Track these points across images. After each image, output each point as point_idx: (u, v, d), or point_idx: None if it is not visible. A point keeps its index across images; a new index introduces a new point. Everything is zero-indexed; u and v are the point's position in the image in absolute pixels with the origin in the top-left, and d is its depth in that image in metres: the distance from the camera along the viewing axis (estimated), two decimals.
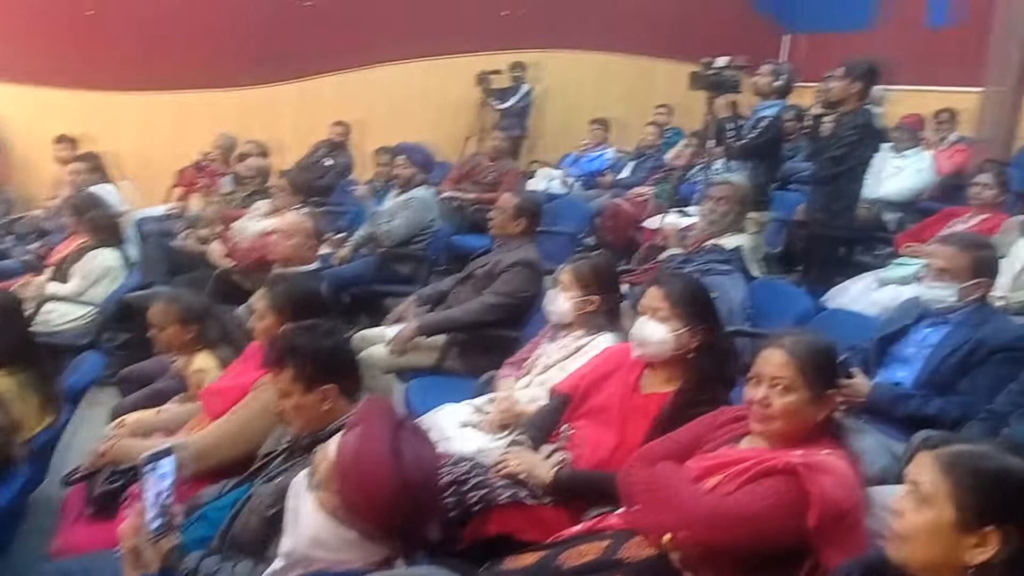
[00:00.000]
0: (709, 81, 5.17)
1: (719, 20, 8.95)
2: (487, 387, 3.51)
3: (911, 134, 6.30)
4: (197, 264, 5.45)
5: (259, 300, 3.07)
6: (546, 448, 2.81)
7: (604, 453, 2.67)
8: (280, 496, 2.18)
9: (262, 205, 5.75)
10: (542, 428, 2.83)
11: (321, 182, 7.14)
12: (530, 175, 8.08)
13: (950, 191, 6.27)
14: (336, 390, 2.32)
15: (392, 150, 6.09)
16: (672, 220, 4.79)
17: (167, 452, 2.12)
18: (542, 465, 2.66)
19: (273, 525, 2.17)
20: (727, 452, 2.26)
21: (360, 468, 1.78)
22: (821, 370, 2.13)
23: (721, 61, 5.08)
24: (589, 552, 2.25)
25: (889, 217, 5.94)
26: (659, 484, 2.20)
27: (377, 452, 1.79)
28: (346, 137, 7.95)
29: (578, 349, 3.26)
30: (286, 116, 8.63)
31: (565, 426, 2.86)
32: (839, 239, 4.94)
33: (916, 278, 4.45)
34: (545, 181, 7.77)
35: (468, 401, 3.42)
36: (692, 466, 2.26)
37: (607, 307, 3.31)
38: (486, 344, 4.01)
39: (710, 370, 2.64)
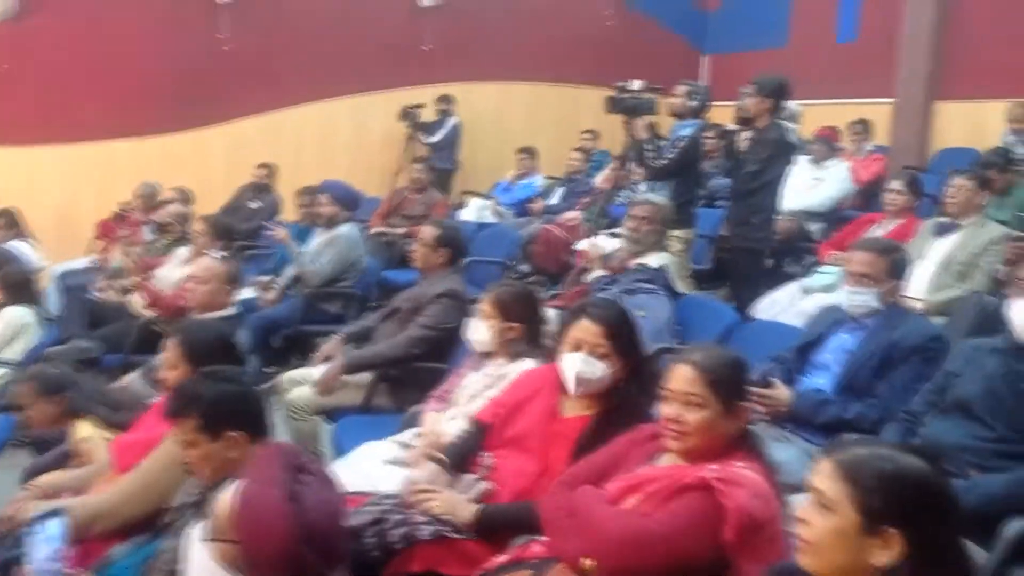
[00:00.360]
0: (625, 104, 5.20)
1: (639, 45, 9.09)
2: (413, 422, 3.45)
3: (828, 146, 6.43)
4: (119, 316, 5.31)
5: (169, 350, 2.99)
6: (468, 478, 2.77)
7: (526, 481, 2.63)
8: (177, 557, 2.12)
9: (183, 252, 5.65)
10: (461, 456, 2.78)
11: (247, 225, 7.04)
12: (461, 206, 8.08)
13: (869, 199, 6.41)
14: (244, 437, 2.25)
15: (311, 190, 6.03)
16: (597, 242, 4.78)
17: (54, 513, 2.02)
18: (463, 504, 2.62)
19: None
20: (643, 471, 2.24)
21: (256, 515, 1.73)
22: (731, 383, 2.12)
23: (636, 84, 5.13)
24: None
25: (813, 227, 6.03)
26: (577, 509, 2.18)
27: (273, 498, 1.74)
28: (270, 179, 7.87)
29: (501, 377, 3.22)
30: (215, 160, 8.55)
31: (487, 455, 2.82)
32: (761, 252, 4.99)
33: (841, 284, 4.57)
34: (476, 211, 7.77)
35: (393, 438, 3.37)
36: (610, 488, 2.24)
37: (529, 334, 3.29)
38: (414, 379, 3.95)
39: (634, 393, 2.62)
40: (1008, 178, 5.04)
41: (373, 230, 6.62)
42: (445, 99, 8.88)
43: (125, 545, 2.48)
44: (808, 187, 6.15)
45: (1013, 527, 2.21)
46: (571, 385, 2.62)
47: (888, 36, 7.27)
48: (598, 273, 4.51)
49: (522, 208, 7.78)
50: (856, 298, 3.08)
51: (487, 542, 2.54)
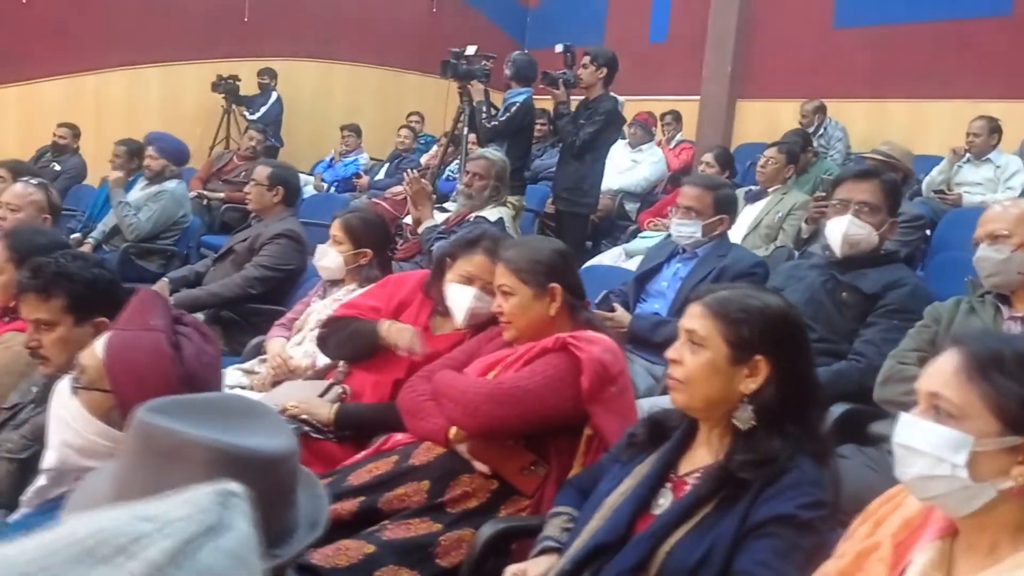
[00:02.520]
0: (459, 70, 5.32)
1: (463, 35, 9.21)
2: (256, 352, 3.38)
3: (645, 130, 6.83)
4: None
5: None
6: (320, 384, 2.76)
7: (385, 391, 2.66)
8: (35, 437, 2.00)
9: None
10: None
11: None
12: None
13: (678, 184, 6.83)
14: (107, 324, 2.15)
15: (129, 142, 5.72)
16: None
17: None
18: (321, 403, 2.62)
19: (27, 470, 1.99)
20: (501, 352, 2.34)
21: (136, 361, 1.66)
22: (535, 268, 2.25)
23: (470, 50, 5.25)
24: (379, 468, 2.24)
25: (630, 207, 6.37)
26: (437, 389, 2.24)
27: (154, 343, 1.68)
28: (73, 141, 7.38)
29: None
30: (9, 121, 7.95)
31: (342, 364, 2.81)
32: (587, 216, 5.23)
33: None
34: None
35: (236, 366, 3.29)
36: (470, 370, 2.32)
37: (379, 259, 3.31)
38: (249, 321, 3.87)
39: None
40: (807, 157, 5.57)
41: (192, 193, 6.35)
42: (267, 73, 8.66)
43: None
44: (625, 168, 6.51)
45: (836, 410, 2.47)
46: (459, 316, 2.63)
47: (695, 38, 7.82)
48: (430, 223, 4.56)
49: (346, 185, 7.72)
50: (682, 229, 3.31)
51: (348, 442, 2.56)
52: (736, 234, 4.54)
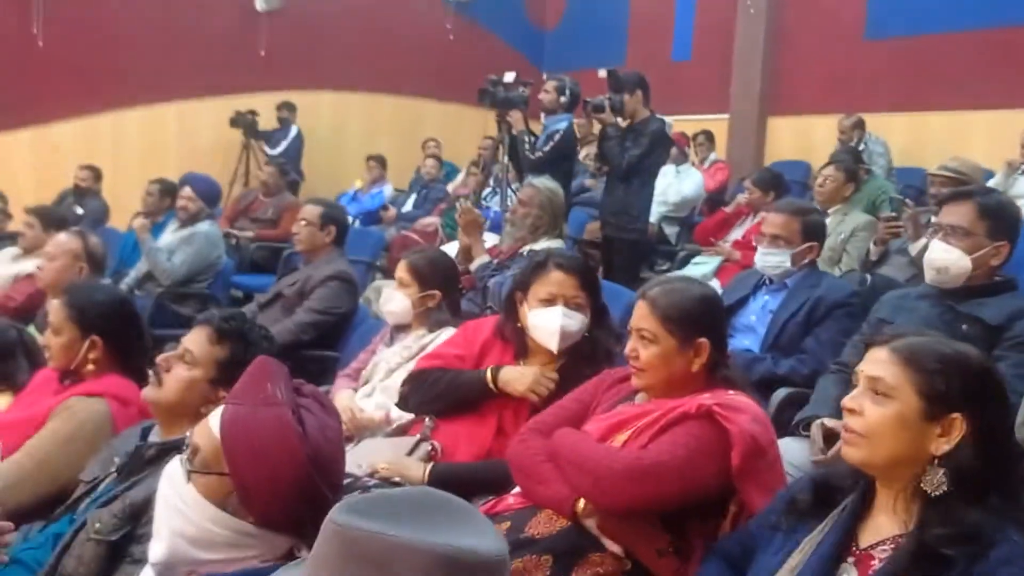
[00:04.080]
0: (497, 98, 5.16)
1: (479, 61, 9.14)
2: None
3: (680, 151, 6.67)
4: None
5: (54, 314, 2.59)
6: (407, 441, 2.57)
7: (481, 445, 2.47)
8: (129, 515, 1.82)
9: (9, 250, 5.03)
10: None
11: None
12: None
13: (715, 206, 6.67)
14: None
15: (163, 182, 5.57)
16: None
17: None
18: (412, 463, 2.43)
19: (117, 553, 1.81)
20: (626, 409, 2.14)
21: (258, 440, 1.47)
22: (684, 318, 2.04)
23: (509, 77, 5.10)
24: None
25: (669, 231, 6.20)
26: (560, 451, 2.04)
27: (278, 420, 1.49)
28: (95, 183, 7.23)
29: (423, 348, 3.03)
30: (24, 165, 7.80)
31: (428, 418, 2.62)
32: (640, 242, 5.06)
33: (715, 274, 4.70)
34: None
35: None
36: (591, 429, 2.12)
37: (448, 301, 3.14)
38: (304, 368, 3.67)
39: (591, 348, 2.51)
40: (860, 175, 5.39)
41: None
42: (287, 107, 8.53)
43: (15, 534, 2.11)
44: (663, 191, 6.33)
45: None
46: (554, 341, 2.46)
47: (721, 55, 7.69)
48: (483, 260, 4.38)
49: (371, 218, 7.55)
50: (770, 259, 3.14)
51: None
52: None
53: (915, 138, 6.64)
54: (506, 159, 5.21)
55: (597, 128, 5.07)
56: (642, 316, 2.08)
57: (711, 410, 1.93)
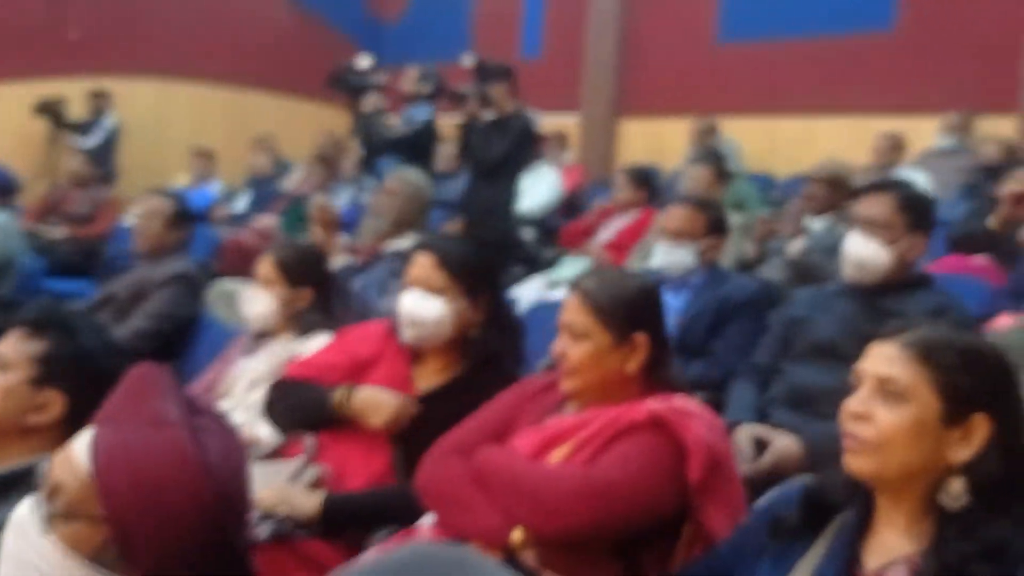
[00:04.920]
0: (350, 83, 4.79)
1: (314, 52, 8.70)
2: None
3: (537, 151, 6.46)
4: None
5: None
6: (287, 466, 2.17)
7: (379, 468, 2.11)
8: None
9: None
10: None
11: None
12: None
13: (572, 208, 6.51)
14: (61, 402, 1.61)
15: None
16: None
17: None
18: (301, 494, 2.04)
19: None
20: (558, 421, 1.86)
21: (147, 474, 1.10)
22: (620, 310, 1.80)
23: (364, 63, 4.74)
24: None
25: (526, 234, 5.97)
26: (487, 473, 1.74)
27: (172, 447, 1.12)
28: None
29: (293, 357, 2.64)
30: None
31: (308, 437, 2.23)
32: (508, 243, 4.80)
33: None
34: None
35: None
36: (520, 445, 1.82)
37: (321, 301, 2.75)
38: None
39: (498, 347, 2.21)
40: (728, 175, 5.35)
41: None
42: (100, 95, 7.71)
43: None
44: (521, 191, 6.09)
45: None
46: (404, 330, 2.18)
47: (572, 53, 7.58)
48: (343, 260, 4.00)
49: (200, 216, 6.92)
50: (673, 256, 2.96)
51: (338, 539, 2.00)
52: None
53: (766, 142, 6.75)
54: (362, 151, 4.83)
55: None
56: (572, 310, 1.82)
57: (663, 417, 1.69)
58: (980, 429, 1.31)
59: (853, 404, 1.38)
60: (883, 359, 1.37)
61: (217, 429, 1.22)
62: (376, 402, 2.12)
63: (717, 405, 2.56)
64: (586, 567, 1.69)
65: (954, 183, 5.26)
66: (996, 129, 5.55)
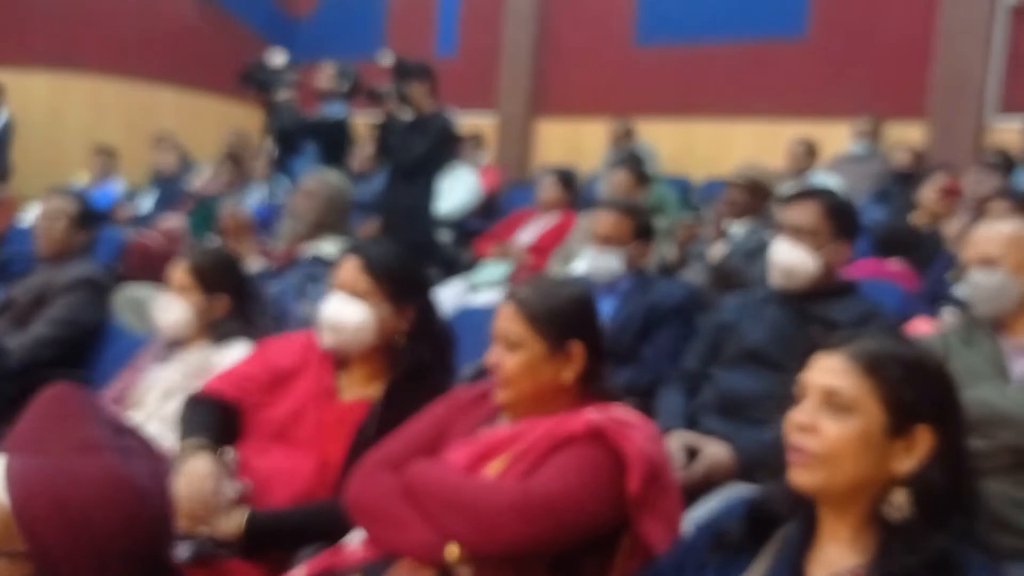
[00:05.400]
0: (260, 79, 4.64)
1: (223, 47, 8.43)
2: None
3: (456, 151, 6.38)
4: None
5: None
6: (203, 478, 2.06)
7: (303, 482, 2.03)
8: None
9: None
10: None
11: None
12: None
13: (490, 210, 6.46)
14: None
15: None
16: None
17: None
18: (224, 512, 1.94)
19: None
20: (492, 433, 1.82)
21: (76, 504, 1.02)
22: (555, 318, 1.78)
23: (278, 59, 4.60)
24: None
25: (444, 236, 5.90)
26: (418, 487, 1.70)
27: (102, 474, 1.04)
28: None
29: (206, 368, 2.53)
30: None
31: (228, 450, 2.13)
32: (429, 244, 4.73)
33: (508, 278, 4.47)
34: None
35: None
36: (453, 459, 1.78)
37: (238, 308, 2.65)
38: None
39: (427, 358, 2.15)
40: (648, 179, 5.38)
41: None
42: None
43: None
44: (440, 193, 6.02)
45: None
46: (323, 335, 2.14)
47: (488, 52, 7.53)
48: (259, 265, 3.87)
49: (103, 218, 6.63)
50: (601, 261, 2.94)
51: (261, 559, 1.91)
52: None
53: (682, 145, 6.81)
54: (274, 149, 4.68)
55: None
56: (507, 319, 1.79)
57: (602, 428, 1.66)
58: (923, 441, 1.33)
59: (798, 416, 1.38)
60: (828, 371, 1.37)
61: (143, 450, 1.15)
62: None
63: (646, 411, 2.57)
64: None
65: (865, 188, 5.42)
66: (904, 134, 5.73)
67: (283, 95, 4.52)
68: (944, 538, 1.29)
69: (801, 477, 1.36)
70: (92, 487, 1.02)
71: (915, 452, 1.32)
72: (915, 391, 1.33)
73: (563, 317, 1.78)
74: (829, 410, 1.34)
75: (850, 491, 1.35)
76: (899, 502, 1.32)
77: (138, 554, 1.05)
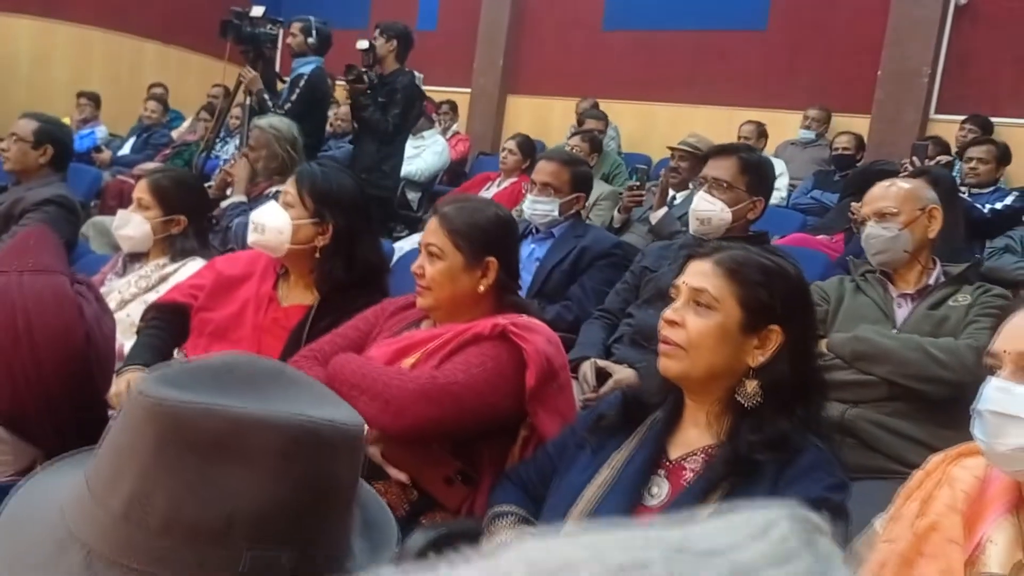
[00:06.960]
0: (243, 33, 4.77)
1: (209, 6, 8.49)
2: None
3: (427, 118, 6.56)
4: None
5: None
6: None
7: None
8: None
9: None
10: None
11: None
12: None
13: (457, 176, 6.65)
14: None
15: None
16: None
17: None
18: None
19: None
20: (413, 334, 2.01)
21: (24, 310, 1.19)
22: (474, 234, 1.97)
23: (257, 10, 4.73)
24: None
25: (411, 196, 6.09)
26: (339, 377, 1.88)
27: (51, 289, 1.22)
28: None
29: (163, 279, 2.71)
30: None
31: (177, 351, 2.33)
32: (391, 200, 4.90)
33: None
34: None
35: None
36: (375, 354, 1.97)
37: (196, 228, 2.82)
38: None
39: (341, 275, 2.31)
40: (603, 146, 5.58)
41: None
42: None
43: None
44: (409, 156, 6.19)
45: None
46: (249, 235, 2.34)
47: (466, 29, 7.70)
48: (235, 199, 4.03)
49: (82, 159, 6.74)
50: (539, 207, 3.13)
51: None
52: None
53: (642, 126, 7.02)
54: (247, 100, 4.81)
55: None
56: (432, 231, 1.99)
57: (505, 329, 1.86)
58: (774, 339, 1.51)
59: (668, 313, 1.57)
60: (698, 274, 1.57)
61: (93, 300, 1.31)
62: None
63: (568, 346, 2.76)
64: (428, 463, 1.85)
65: (808, 172, 5.65)
66: (851, 128, 5.93)
67: (253, 83, 4.65)
68: (786, 423, 1.48)
69: (667, 364, 1.56)
70: (37, 298, 1.19)
71: (766, 348, 1.51)
72: (770, 294, 1.51)
73: (481, 233, 1.97)
74: (695, 308, 1.54)
75: (708, 379, 1.54)
76: (750, 391, 1.52)
77: (74, 373, 1.20)
